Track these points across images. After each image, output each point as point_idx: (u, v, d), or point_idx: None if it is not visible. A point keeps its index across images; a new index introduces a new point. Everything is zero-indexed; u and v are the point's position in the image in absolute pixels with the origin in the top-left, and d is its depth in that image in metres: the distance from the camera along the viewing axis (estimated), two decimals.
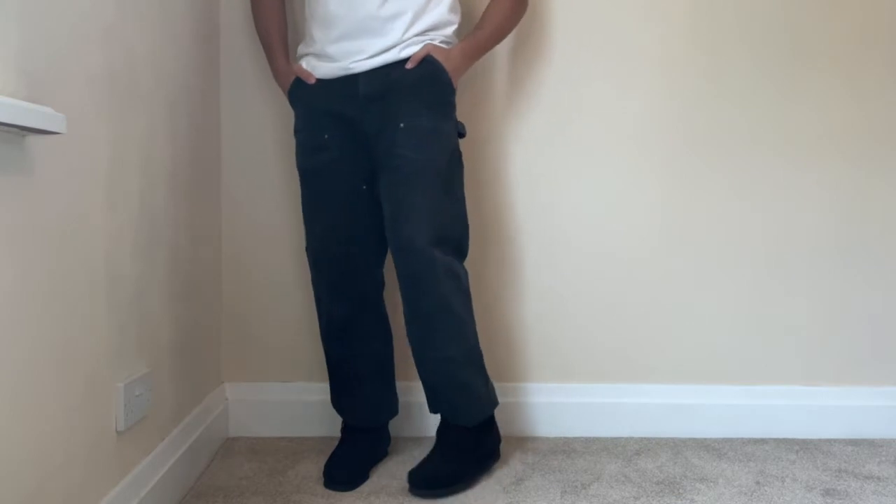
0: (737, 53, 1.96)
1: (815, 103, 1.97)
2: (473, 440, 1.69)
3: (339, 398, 1.78)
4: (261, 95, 1.93)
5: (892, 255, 2.00)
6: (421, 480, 1.60)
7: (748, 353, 2.01)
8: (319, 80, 1.67)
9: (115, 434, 1.27)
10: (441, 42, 1.66)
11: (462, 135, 1.71)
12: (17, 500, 0.97)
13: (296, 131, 1.74)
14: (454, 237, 1.66)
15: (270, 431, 1.94)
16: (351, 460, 1.69)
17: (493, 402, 1.74)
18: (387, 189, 1.63)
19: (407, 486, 1.61)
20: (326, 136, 1.67)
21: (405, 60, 1.62)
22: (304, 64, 1.70)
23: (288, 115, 1.93)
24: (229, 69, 1.92)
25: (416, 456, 1.80)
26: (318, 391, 1.95)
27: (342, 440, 1.77)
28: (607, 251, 1.98)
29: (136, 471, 1.34)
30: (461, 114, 1.81)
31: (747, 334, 2.01)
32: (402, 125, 1.61)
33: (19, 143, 0.96)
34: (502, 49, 1.92)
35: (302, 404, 1.95)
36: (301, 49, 1.74)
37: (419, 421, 1.95)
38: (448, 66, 1.64)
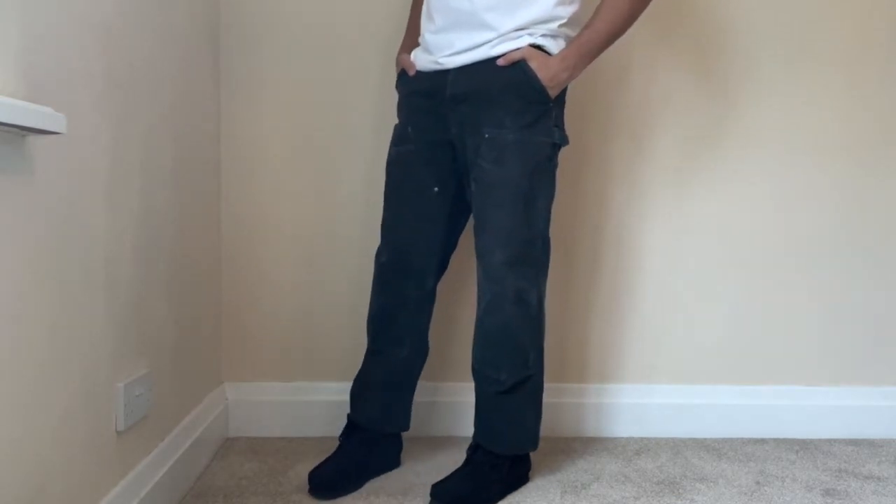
0: (736, 54, 1.96)
1: (815, 103, 1.97)
2: (504, 467, 1.62)
3: (354, 387, 1.73)
4: (261, 95, 1.93)
5: (893, 254, 2.01)
6: (444, 496, 1.56)
7: (748, 353, 2.01)
8: (418, 72, 1.62)
9: (115, 434, 1.27)
10: (543, 35, 1.51)
11: (561, 144, 1.59)
12: (17, 500, 0.97)
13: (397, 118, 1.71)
14: (532, 256, 1.56)
15: (270, 431, 1.94)
16: (338, 468, 1.63)
17: (536, 442, 1.65)
18: (472, 199, 1.58)
19: (427, 496, 1.58)
20: (410, 129, 1.63)
21: (496, 58, 1.50)
22: (412, 55, 1.66)
23: (287, 116, 1.93)
24: (229, 69, 1.92)
25: (415, 456, 1.80)
26: (318, 391, 1.95)
27: (338, 446, 1.72)
28: (604, 251, 1.98)
29: (136, 471, 1.34)
30: None
31: (748, 334, 2.01)
32: (486, 136, 1.52)
33: (19, 143, 0.96)
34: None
35: (302, 404, 1.95)
36: (419, 39, 1.69)
37: (423, 420, 1.94)
38: (544, 74, 1.48)
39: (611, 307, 1.99)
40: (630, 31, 1.88)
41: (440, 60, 1.56)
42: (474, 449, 1.64)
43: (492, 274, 1.55)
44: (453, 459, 1.74)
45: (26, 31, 0.97)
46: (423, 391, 1.92)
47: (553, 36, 1.53)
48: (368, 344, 1.73)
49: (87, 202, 1.16)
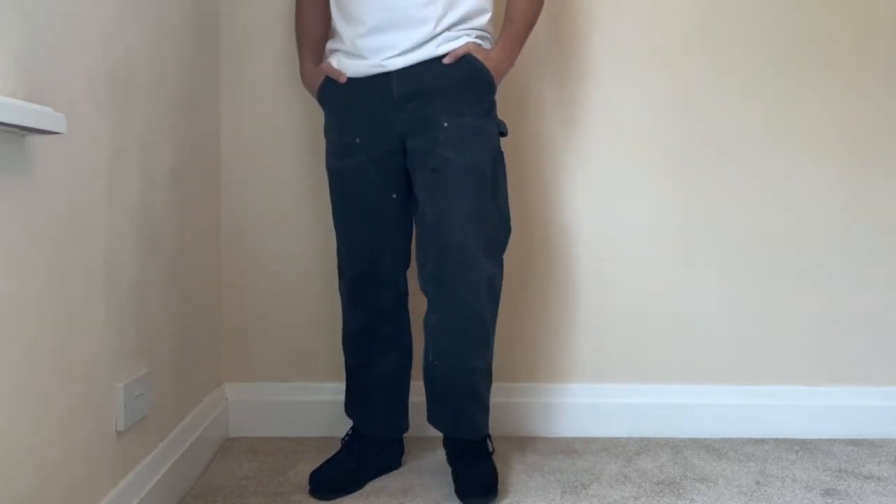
0: (738, 53, 1.96)
1: (816, 102, 1.97)
2: (486, 446, 1.68)
3: (351, 404, 1.74)
4: (260, 95, 1.93)
5: (892, 254, 2.00)
6: (478, 491, 1.56)
7: (748, 353, 2.01)
8: (350, 80, 1.58)
9: (115, 434, 1.27)
10: (478, 37, 1.58)
11: (504, 134, 1.64)
12: (17, 500, 0.97)
13: (326, 132, 1.66)
14: (498, 243, 1.62)
15: (270, 431, 1.94)
16: (339, 470, 1.64)
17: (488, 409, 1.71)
18: (427, 191, 1.56)
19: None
20: (357, 140, 1.58)
21: (441, 57, 1.54)
22: (335, 62, 1.60)
23: (287, 116, 1.93)
24: (229, 69, 1.92)
25: (415, 456, 1.79)
26: (319, 391, 1.95)
27: (341, 448, 1.73)
28: (607, 252, 1.98)
29: (136, 471, 1.34)
30: None
31: (747, 334, 2.01)
32: (445, 124, 1.53)
33: (19, 143, 0.96)
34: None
35: (302, 404, 1.95)
36: (330, 45, 1.65)
37: (422, 421, 1.93)
38: (490, 65, 1.56)
39: (611, 307, 1.99)
40: (639, 31, 1.89)
41: (384, 63, 1.54)
42: (454, 444, 1.66)
43: (466, 263, 1.54)
44: None
45: (26, 31, 0.97)
46: (421, 392, 1.92)
47: (483, 37, 1.60)
48: (351, 360, 1.71)
49: (87, 202, 1.16)
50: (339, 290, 1.72)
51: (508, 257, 2.01)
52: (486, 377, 1.65)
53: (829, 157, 1.98)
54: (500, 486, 1.61)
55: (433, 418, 1.67)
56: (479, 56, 1.56)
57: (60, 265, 1.07)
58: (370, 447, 1.70)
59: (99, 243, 1.20)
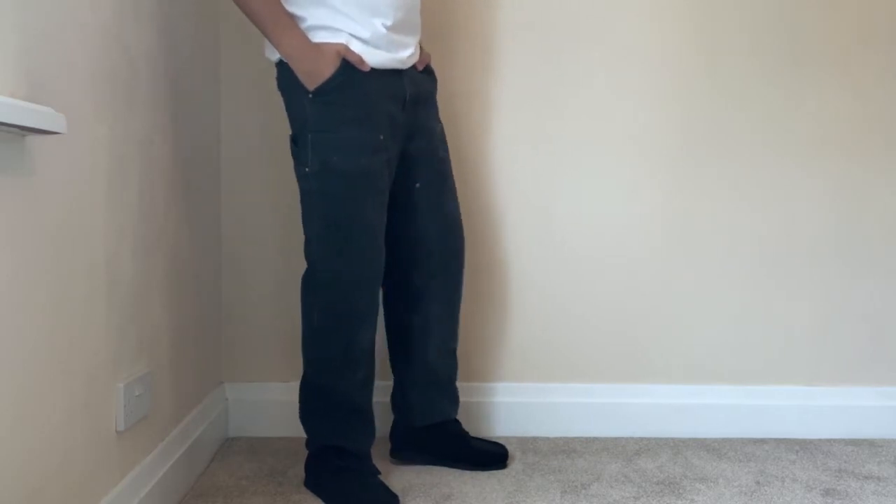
0: (736, 53, 1.96)
1: (814, 103, 1.97)
2: None
3: (353, 429, 1.57)
4: (260, 95, 1.92)
5: (892, 255, 2.00)
6: (501, 457, 1.73)
7: (748, 353, 2.01)
8: (374, 70, 1.47)
9: (115, 434, 1.27)
10: None
11: None
12: (17, 500, 0.97)
13: (331, 126, 1.47)
14: None
15: (270, 431, 1.94)
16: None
17: None
18: (432, 190, 1.64)
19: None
20: (381, 138, 1.49)
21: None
22: (357, 50, 1.46)
23: (287, 115, 1.92)
24: (229, 69, 1.92)
25: None
26: None
27: (365, 471, 1.56)
28: (607, 252, 1.98)
29: (136, 471, 1.34)
30: (456, 112, 1.86)
31: (747, 334, 2.01)
32: (437, 129, 1.66)
33: (19, 143, 0.96)
34: (499, 44, 1.92)
35: None
36: (316, 20, 1.46)
37: None
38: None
39: (611, 307, 1.99)
40: (633, 31, 1.88)
41: (406, 60, 1.55)
42: (443, 426, 1.73)
43: (464, 254, 1.71)
44: None
45: (26, 31, 0.97)
46: None
47: None
48: (359, 376, 1.55)
49: (87, 202, 1.16)
50: (337, 304, 1.53)
51: (508, 257, 2.01)
52: None
53: (828, 159, 1.98)
54: (498, 485, 1.63)
55: (436, 407, 1.72)
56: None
57: (61, 265, 1.07)
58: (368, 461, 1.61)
59: (99, 243, 1.20)
